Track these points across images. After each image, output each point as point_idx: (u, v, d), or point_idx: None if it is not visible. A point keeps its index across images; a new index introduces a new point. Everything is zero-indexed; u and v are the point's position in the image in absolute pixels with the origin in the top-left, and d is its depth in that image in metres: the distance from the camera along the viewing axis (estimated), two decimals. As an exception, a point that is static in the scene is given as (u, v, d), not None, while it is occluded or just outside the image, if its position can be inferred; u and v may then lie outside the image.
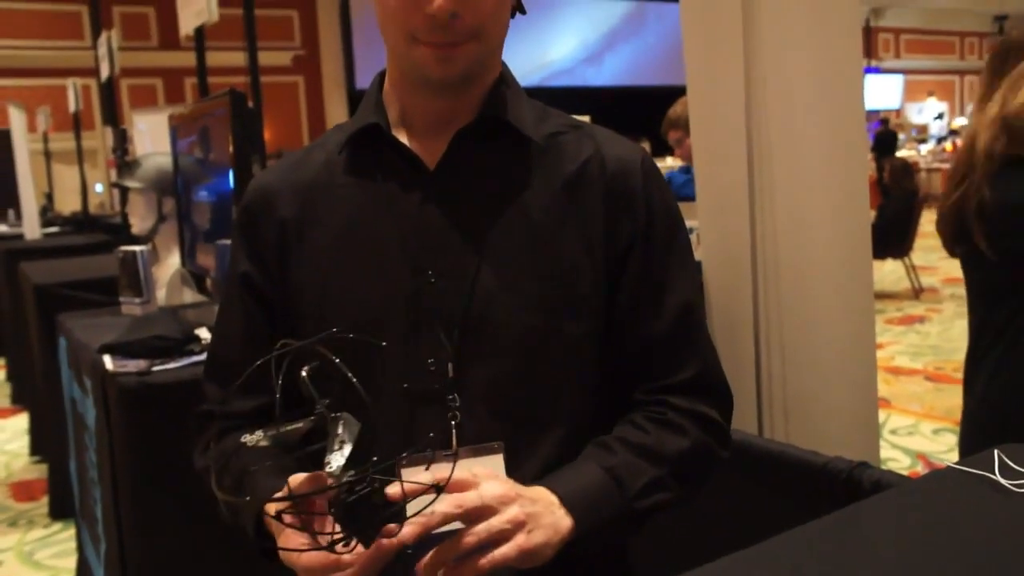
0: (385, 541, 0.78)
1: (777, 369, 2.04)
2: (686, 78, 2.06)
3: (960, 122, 20.16)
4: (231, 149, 1.92)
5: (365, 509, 0.77)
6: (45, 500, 3.73)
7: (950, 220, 1.71)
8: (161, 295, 2.45)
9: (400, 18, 0.92)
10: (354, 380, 0.74)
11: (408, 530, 0.78)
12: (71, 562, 2.96)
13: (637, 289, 1.00)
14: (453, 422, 0.93)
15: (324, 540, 0.76)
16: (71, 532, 3.21)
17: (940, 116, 20.14)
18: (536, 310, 0.97)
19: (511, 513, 0.83)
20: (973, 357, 1.80)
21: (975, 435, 1.71)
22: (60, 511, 3.54)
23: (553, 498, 0.88)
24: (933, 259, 9.17)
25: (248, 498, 0.83)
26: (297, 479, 0.82)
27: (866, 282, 2.05)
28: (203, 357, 1.81)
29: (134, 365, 1.75)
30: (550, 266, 0.98)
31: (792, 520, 0.93)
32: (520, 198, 0.99)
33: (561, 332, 0.98)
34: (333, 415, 0.76)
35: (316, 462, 0.77)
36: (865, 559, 0.85)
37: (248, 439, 0.78)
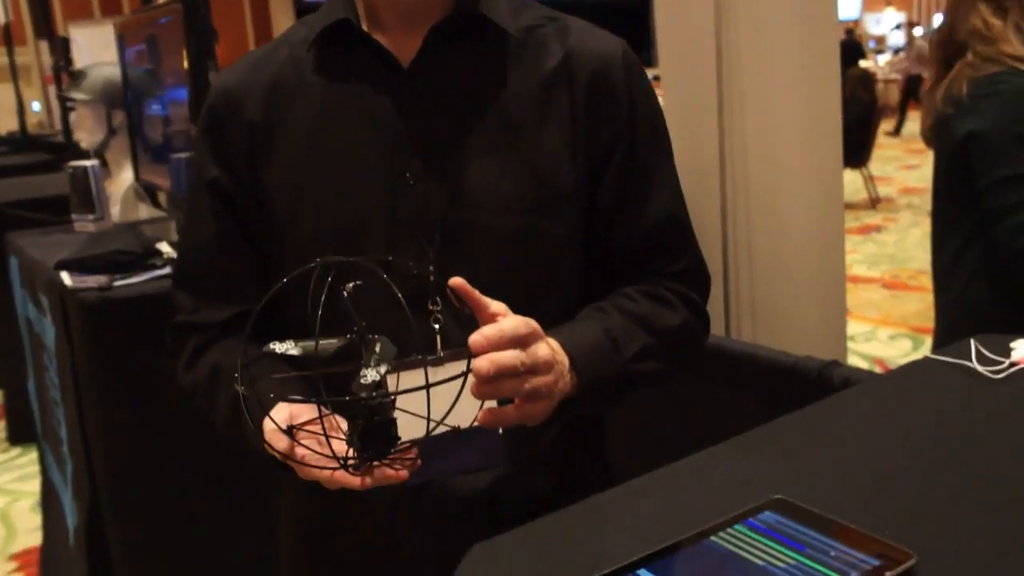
0: (392, 473, 0.78)
1: (744, 274, 2.06)
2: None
3: (919, 32, 20.16)
4: (185, 59, 1.85)
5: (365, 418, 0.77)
6: (2, 425, 3.70)
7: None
8: (115, 211, 2.39)
9: None
10: (402, 300, 0.73)
11: (483, 365, 0.77)
12: (34, 485, 2.95)
13: (624, 187, 0.99)
14: (436, 326, 0.93)
15: (340, 454, 0.76)
16: (32, 456, 3.20)
17: (899, 27, 20.09)
18: (518, 211, 0.95)
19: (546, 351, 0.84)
20: (947, 257, 1.83)
21: (953, 334, 1.75)
22: (19, 435, 3.51)
23: (566, 359, 0.88)
24: (889, 170, 9.29)
25: (272, 396, 0.82)
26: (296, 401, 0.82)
27: (836, 189, 2.07)
28: (166, 271, 1.79)
29: (94, 280, 1.72)
30: (531, 166, 0.96)
31: (766, 419, 0.95)
32: (499, 96, 0.97)
33: (543, 233, 0.97)
34: (372, 336, 0.76)
35: (335, 382, 0.76)
36: (849, 445, 0.87)
37: (277, 347, 0.77)
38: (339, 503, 0.95)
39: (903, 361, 4.02)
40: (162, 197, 2.52)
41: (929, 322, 4.46)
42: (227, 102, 1.01)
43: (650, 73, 1.07)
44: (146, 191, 2.51)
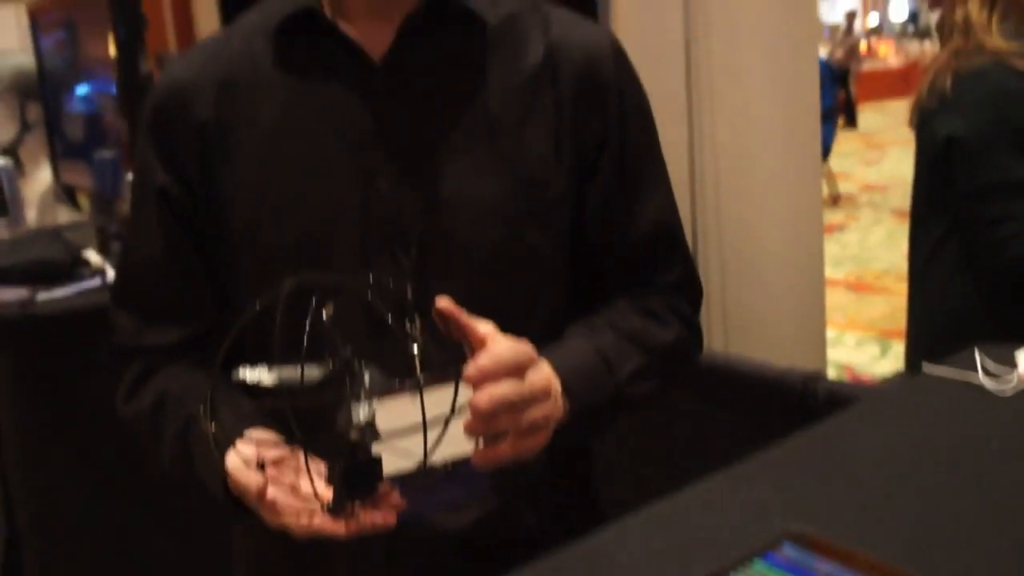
0: (379, 519, 0.75)
1: (716, 277, 2.07)
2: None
3: (874, 22, 20.57)
4: (112, 48, 1.79)
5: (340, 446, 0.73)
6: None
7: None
8: (31, 215, 2.31)
9: None
10: (390, 321, 0.69)
11: (482, 400, 0.75)
12: (-61, 518, 2.84)
13: (613, 192, 0.98)
14: (415, 347, 0.90)
15: (320, 499, 0.73)
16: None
17: (852, 15, 20.49)
18: (501, 220, 0.93)
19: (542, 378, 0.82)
20: (921, 257, 1.84)
21: (931, 338, 1.77)
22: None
23: (558, 383, 0.86)
24: (848, 165, 9.47)
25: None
26: (264, 437, 0.79)
27: (813, 187, 2.08)
28: (95, 282, 1.73)
29: (14, 294, 1.65)
30: (515, 170, 0.94)
31: (749, 434, 0.94)
32: (478, 93, 0.94)
33: (528, 243, 0.94)
34: (360, 364, 0.72)
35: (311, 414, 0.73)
36: (858, 470, 0.87)
37: (248, 374, 0.73)
38: (305, 541, 0.92)
39: (872, 367, 4.11)
40: (83, 199, 2.45)
41: (896, 324, 4.50)
42: (175, 99, 0.97)
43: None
44: (65, 192, 2.43)
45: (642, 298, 1.00)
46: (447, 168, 0.93)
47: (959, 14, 1.68)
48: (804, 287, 2.04)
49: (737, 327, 2.07)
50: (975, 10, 1.65)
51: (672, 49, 1.98)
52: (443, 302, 0.79)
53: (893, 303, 4.88)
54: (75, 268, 1.77)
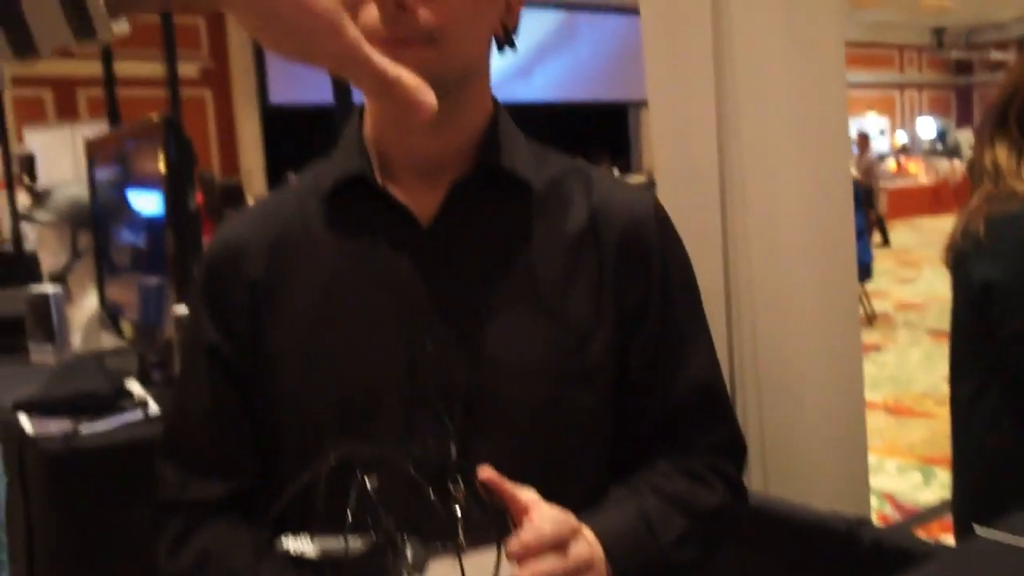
0: None
1: (753, 415, 2.04)
2: (647, 91, 2.03)
3: (903, 139, 20.79)
4: (165, 183, 1.85)
5: None
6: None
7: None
8: (76, 340, 2.36)
9: (355, 18, 0.86)
10: (431, 495, 0.71)
11: None
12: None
13: (655, 354, 0.98)
14: (457, 508, 0.90)
15: None
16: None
17: (864, 135, 20.72)
18: (545, 381, 0.94)
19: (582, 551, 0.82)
20: (962, 401, 1.82)
21: (978, 486, 1.73)
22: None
23: (600, 550, 0.86)
24: (884, 284, 9.43)
25: None
26: None
27: (851, 313, 2.06)
28: (136, 415, 1.74)
29: (57, 426, 1.67)
30: (559, 331, 0.95)
31: None
32: (523, 256, 0.97)
33: (572, 403, 0.95)
34: (403, 537, 0.73)
35: None
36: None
37: (291, 545, 0.74)
38: None
39: (914, 495, 4.01)
40: (126, 324, 2.49)
41: (937, 450, 4.38)
42: (227, 259, 1.00)
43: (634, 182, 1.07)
44: (109, 315, 2.48)
45: (685, 459, 1.00)
46: (492, 329, 0.94)
47: (988, 159, 1.70)
48: (844, 416, 2.01)
49: (775, 458, 2.03)
50: (1003, 156, 1.67)
51: (705, 179, 2.00)
52: (485, 472, 0.80)
53: (934, 427, 4.78)
54: (118, 400, 1.79)
